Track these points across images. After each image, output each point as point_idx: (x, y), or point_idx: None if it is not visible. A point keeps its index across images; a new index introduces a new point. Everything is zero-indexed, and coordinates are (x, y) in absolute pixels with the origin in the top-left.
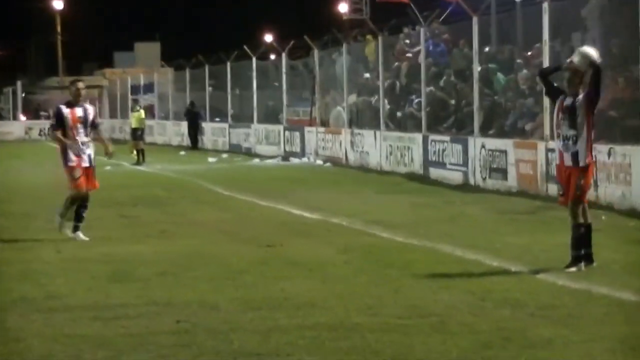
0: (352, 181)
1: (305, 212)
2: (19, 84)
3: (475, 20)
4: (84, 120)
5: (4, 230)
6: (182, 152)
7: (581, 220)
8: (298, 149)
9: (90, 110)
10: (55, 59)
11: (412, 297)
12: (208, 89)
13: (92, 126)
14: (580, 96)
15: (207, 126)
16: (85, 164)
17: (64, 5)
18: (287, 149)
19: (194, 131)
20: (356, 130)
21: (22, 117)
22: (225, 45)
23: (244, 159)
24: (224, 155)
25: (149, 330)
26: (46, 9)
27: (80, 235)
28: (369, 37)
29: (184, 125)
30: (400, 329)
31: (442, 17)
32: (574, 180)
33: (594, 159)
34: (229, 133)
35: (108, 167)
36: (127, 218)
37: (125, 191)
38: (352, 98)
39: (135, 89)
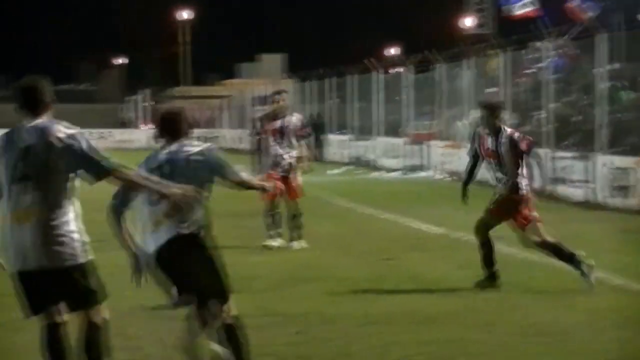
0: (472, 196)
1: (424, 226)
2: (142, 93)
3: (602, 37)
4: (280, 132)
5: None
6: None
7: None
8: (419, 163)
9: (292, 121)
10: (179, 69)
11: (531, 315)
12: (331, 101)
13: (295, 137)
14: None
15: (329, 138)
16: (281, 174)
17: (189, 15)
18: (409, 162)
19: (316, 143)
20: None
21: (145, 126)
22: (350, 58)
23: (365, 172)
24: (345, 168)
25: (267, 341)
26: (171, 19)
27: (295, 244)
28: (493, 51)
29: None
30: (519, 347)
31: (569, 34)
32: None
33: None
34: (351, 145)
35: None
36: (246, 229)
37: (244, 202)
38: (475, 113)
39: (257, 100)
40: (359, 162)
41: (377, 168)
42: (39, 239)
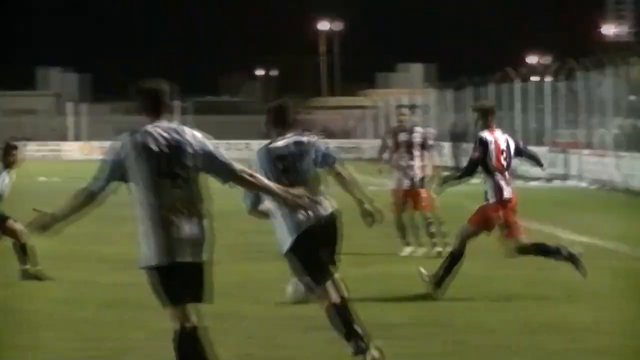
0: (618, 204)
1: (571, 235)
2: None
3: None
4: (407, 145)
5: None
6: (446, 173)
7: None
8: (563, 172)
9: (417, 134)
10: (320, 79)
11: None
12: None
13: (421, 149)
14: None
15: (470, 147)
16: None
17: (332, 26)
18: (551, 171)
19: (457, 152)
20: (622, 153)
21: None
22: (489, 67)
23: None
24: None
25: (424, 350)
26: (314, 30)
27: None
28: (635, 58)
29: (446, 146)
30: None
31: None
32: None
33: None
34: None
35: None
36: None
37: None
38: (618, 120)
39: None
40: None
41: (518, 176)
42: (189, 233)
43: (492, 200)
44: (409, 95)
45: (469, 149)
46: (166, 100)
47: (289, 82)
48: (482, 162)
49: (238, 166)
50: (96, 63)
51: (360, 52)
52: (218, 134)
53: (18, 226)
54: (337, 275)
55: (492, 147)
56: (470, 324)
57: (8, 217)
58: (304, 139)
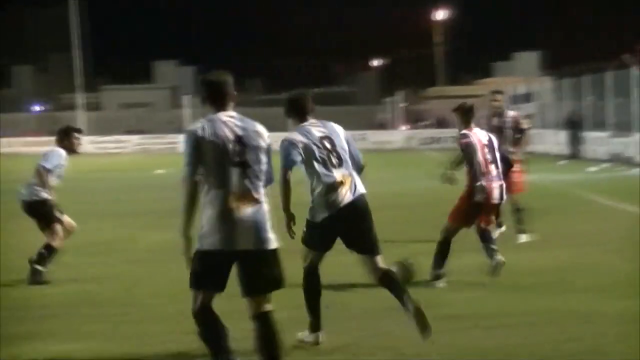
0: None
1: None
2: (399, 94)
3: None
4: (498, 129)
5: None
6: (562, 162)
7: None
8: None
9: (508, 119)
10: (435, 70)
11: None
12: (588, 98)
13: (513, 134)
14: None
15: (587, 135)
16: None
17: (445, 16)
18: None
19: (574, 140)
20: None
21: (403, 127)
22: (607, 54)
23: (624, 169)
24: (604, 165)
25: (527, 341)
26: (427, 20)
27: (522, 237)
28: None
29: (562, 135)
30: None
31: None
32: None
33: None
34: (609, 142)
35: None
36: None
37: None
38: None
39: (513, 99)
40: (618, 159)
41: (637, 164)
42: (253, 222)
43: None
44: (524, 83)
45: (585, 136)
46: (230, 90)
47: (403, 72)
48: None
49: (274, 176)
50: (211, 56)
51: (476, 41)
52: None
53: (60, 228)
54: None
55: (474, 140)
56: (572, 313)
57: (61, 213)
58: None
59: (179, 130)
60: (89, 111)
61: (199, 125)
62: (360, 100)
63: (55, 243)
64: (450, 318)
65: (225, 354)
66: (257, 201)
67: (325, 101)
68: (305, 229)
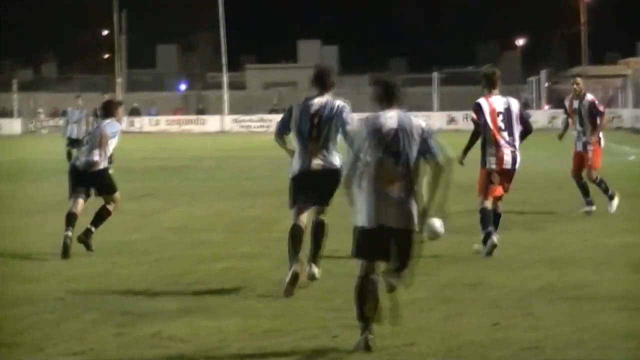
0: None
1: None
2: (542, 73)
3: None
4: (578, 112)
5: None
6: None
7: None
8: None
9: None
10: (578, 49)
11: None
12: None
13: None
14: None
15: None
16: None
17: None
18: None
19: None
20: None
21: (546, 107)
22: None
23: None
24: None
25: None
26: None
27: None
28: None
29: None
30: None
31: None
32: None
33: None
34: None
35: (632, 157)
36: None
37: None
38: None
39: None
40: None
41: None
42: (400, 203)
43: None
44: None
45: None
46: (397, 93)
47: (547, 51)
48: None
49: (440, 158)
50: (355, 35)
51: (620, 20)
52: (469, 106)
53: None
54: None
55: (484, 109)
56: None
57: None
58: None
59: None
60: (234, 90)
61: (363, 122)
62: (504, 79)
63: (112, 208)
64: (597, 299)
65: (363, 321)
66: (407, 185)
67: (469, 80)
68: None
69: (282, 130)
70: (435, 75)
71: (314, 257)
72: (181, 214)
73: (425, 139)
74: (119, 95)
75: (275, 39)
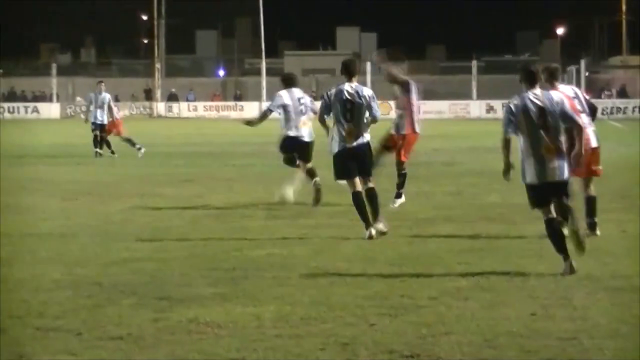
0: None
1: None
2: (582, 62)
3: None
4: None
5: None
6: None
7: None
8: None
9: None
10: (619, 38)
11: None
12: None
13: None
14: None
15: None
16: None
17: None
18: None
19: None
20: None
21: (586, 96)
22: None
23: None
24: None
25: None
26: None
27: None
28: None
29: None
30: None
31: None
32: None
33: None
34: None
35: None
36: None
37: None
38: None
39: None
40: None
41: None
42: (557, 164)
43: None
44: None
45: None
46: (539, 77)
47: (587, 40)
48: None
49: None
50: (393, 22)
51: None
52: (510, 94)
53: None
54: None
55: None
56: None
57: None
58: None
59: None
60: (272, 76)
61: (514, 102)
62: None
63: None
64: (632, 290)
65: (563, 252)
66: (559, 149)
67: (508, 69)
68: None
69: (324, 114)
70: (474, 63)
71: (375, 218)
72: (220, 199)
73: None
74: (158, 80)
75: (314, 26)
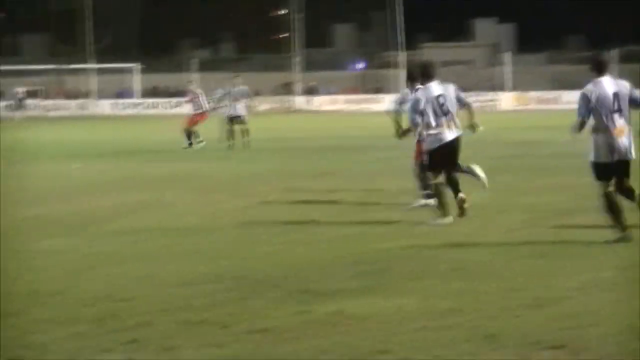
0: None
1: None
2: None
3: None
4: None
5: None
6: None
7: None
8: None
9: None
10: None
11: None
12: None
13: None
14: None
15: None
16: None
17: None
18: None
19: None
20: None
21: None
22: None
23: None
24: None
25: None
26: None
27: None
28: None
29: None
30: None
31: None
32: None
33: None
34: None
35: None
36: None
37: None
38: None
39: None
40: None
41: None
42: (624, 144)
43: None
44: None
45: None
46: (608, 66)
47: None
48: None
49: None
50: (532, 13)
51: None
52: None
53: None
54: None
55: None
56: None
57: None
58: None
59: (498, 88)
60: None
61: (589, 88)
62: None
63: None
64: None
65: (620, 223)
66: (629, 131)
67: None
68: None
69: (397, 109)
70: (615, 52)
71: (456, 193)
72: (360, 192)
73: None
74: (297, 74)
75: (451, 18)
